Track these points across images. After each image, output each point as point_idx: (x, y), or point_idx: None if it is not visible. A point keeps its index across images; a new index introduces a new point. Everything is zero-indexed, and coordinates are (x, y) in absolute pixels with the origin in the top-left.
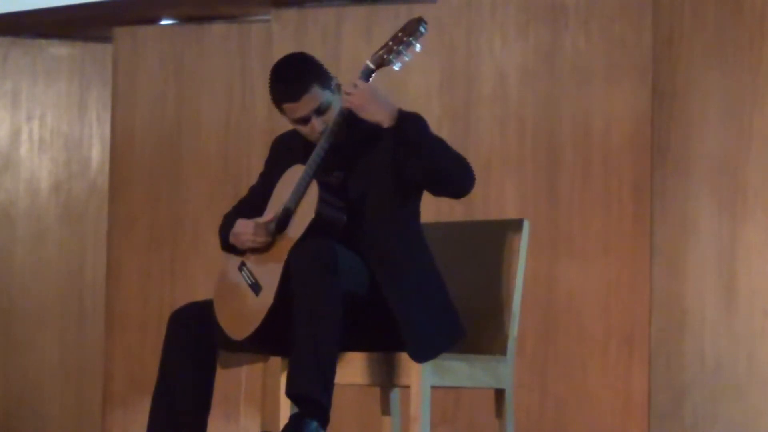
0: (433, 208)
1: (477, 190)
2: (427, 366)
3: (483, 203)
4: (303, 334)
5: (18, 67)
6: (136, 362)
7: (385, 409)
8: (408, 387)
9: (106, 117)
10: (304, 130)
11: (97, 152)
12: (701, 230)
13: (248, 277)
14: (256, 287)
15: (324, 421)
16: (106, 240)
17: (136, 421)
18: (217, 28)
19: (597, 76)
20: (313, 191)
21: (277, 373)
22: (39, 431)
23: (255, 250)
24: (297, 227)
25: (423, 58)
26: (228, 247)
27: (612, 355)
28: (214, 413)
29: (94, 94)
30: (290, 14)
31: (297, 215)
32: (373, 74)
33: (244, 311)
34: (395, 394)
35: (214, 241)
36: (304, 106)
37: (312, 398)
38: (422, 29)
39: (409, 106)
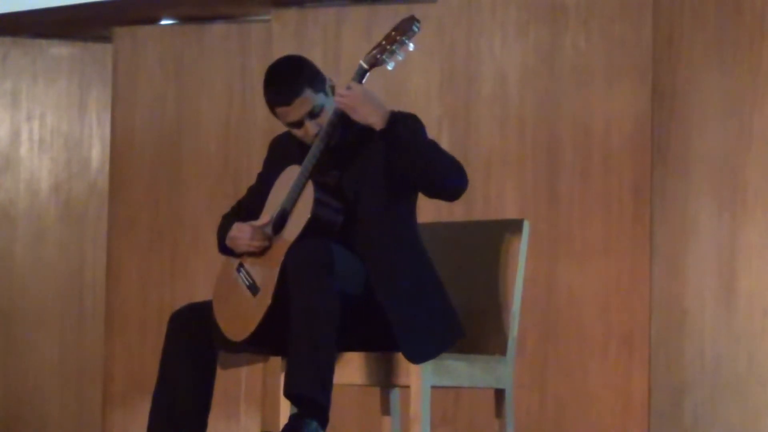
0: (432, 208)
1: (477, 191)
2: (427, 366)
3: (483, 203)
4: (300, 335)
5: (18, 67)
6: (136, 362)
7: (385, 409)
8: (408, 387)
9: (106, 117)
10: (298, 133)
11: (97, 152)
12: (701, 230)
13: (246, 279)
14: (253, 288)
15: (323, 420)
16: (106, 240)
17: (136, 421)
18: (217, 28)
19: (597, 76)
20: (309, 192)
21: (277, 373)
22: (39, 431)
23: (252, 252)
24: (293, 228)
25: (423, 58)
26: (225, 249)
27: (612, 355)
28: (214, 413)
29: (94, 94)
30: (290, 14)
31: (293, 216)
32: (367, 74)
33: (242, 312)
34: (395, 394)
35: (214, 241)
36: (296, 109)
37: (311, 398)
38: (415, 28)
39: (409, 106)
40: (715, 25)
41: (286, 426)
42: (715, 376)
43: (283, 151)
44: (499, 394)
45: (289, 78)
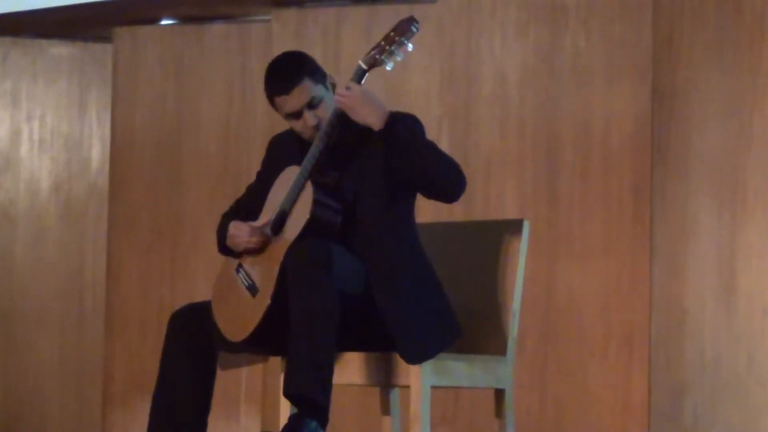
0: (432, 209)
1: (477, 191)
2: (427, 366)
3: (483, 203)
4: (300, 335)
5: (18, 67)
6: (136, 362)
7: (385, 409)
8: (408, 387)
9: (106, 117)
10: (297, 126)
11: (97, 152)
12: (701, 230)
13: (245, 279)
14: (252, 288)
15: (323, 420)
16: (106, 240)
17: (136, 421)
18: (217, 28)
19: (597, 76)
20: (308, 193)
21: (277, 373)
22: (39, 431)
23: (251, 252)
24: (292, 229)
25: (423, 58)
26: (225, 249)
27: (612, 355)
28: (214, 413)
29: (94, 94)
30: (290, 14)
31: (292, 217)
32: (366, 75)
33: (242, 313)
34: (395, 394)
35: (214, 241)
36: (295, 98)
37: (311, 398)
38: (414, 29)
39: (409, 106)
40: (715, 25)
41: (286, 426)
42: (715, 376)
43: (283, 151)
44: (499, 394)
45: (288, 68)
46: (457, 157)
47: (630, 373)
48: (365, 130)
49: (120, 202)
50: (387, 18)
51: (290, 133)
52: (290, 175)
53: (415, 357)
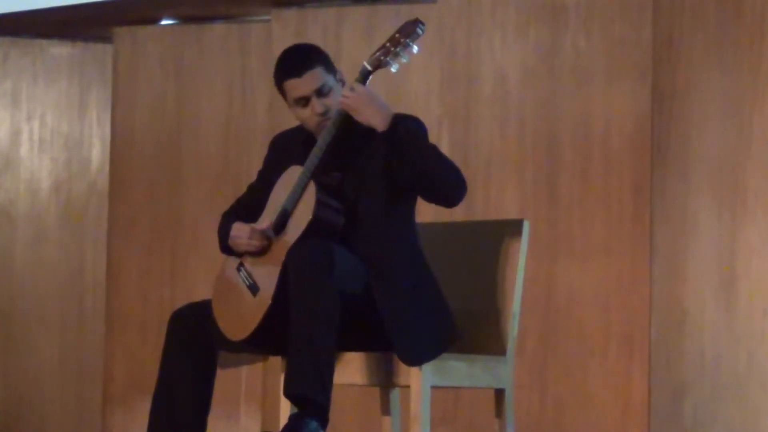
0: (432, 209)
1: (477, 191)
2: (427, 366)
3: (483, 203)
4: (300, 335)
5: (18, 67)
6: (136, 362)
7: (385, 409)
8: (408, 387)
9: (106, 117)
10: (303, 114)
11: (97, 152)
12: (701, 230)
13: (246, 278)
14: (253, 288)
15: (323, 420)
16: (106, 240)
17: (136, 421)
18: (217, 28)
19: (597, 76)
20: (311, 193)
21: (277, 372)
22: (39, 431)
23: (251, 251)
24: (294, 229)
25: (423, 58)
26: (227, 249)
27: (612, 355)
28: (214, 413)
29: (94, 94)
30: (290, 14)
31: (294, 217)
32: (370, 76)
33: (242, 312)
34: (395, 394)
35: (214, 240)
36: (306, 83)
37: (311, 398)
38: (419, 30)
39: (409, 106)
40: (715, 25)
41: (286, 426)
42: (715, 376)
43: (285, 150)
44: (499, 394)
45: (303, 54)
46: (457, 158)
47: (630, 373)
48: (368, 131)
49: (120, 202)
50: (387, 18)
51: (293, 133)
52: (293, 174)
53: (413, 360)
